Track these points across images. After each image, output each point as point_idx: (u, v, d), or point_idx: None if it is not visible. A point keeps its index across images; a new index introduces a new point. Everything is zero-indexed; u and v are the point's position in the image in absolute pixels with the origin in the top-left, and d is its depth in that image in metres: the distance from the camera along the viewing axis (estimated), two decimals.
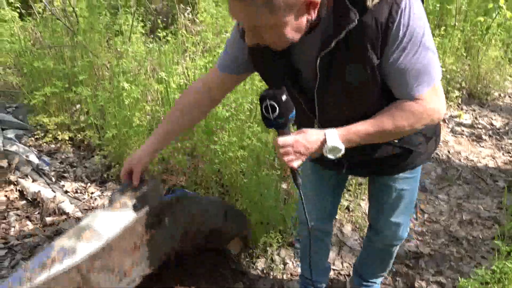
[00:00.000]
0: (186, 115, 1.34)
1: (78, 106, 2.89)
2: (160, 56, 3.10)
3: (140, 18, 3.87)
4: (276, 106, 1.01)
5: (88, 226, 1.15)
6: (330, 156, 1.07)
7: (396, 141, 1.22)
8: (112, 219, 1.18)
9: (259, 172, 2.12)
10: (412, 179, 1.40)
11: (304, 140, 1.05)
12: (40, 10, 3.66)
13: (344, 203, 2.39)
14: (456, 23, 3.78)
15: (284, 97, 1.02)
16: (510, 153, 2.99)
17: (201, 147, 2.30)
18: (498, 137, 3.18)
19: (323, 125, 1.13)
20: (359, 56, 0.99)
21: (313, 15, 0.97)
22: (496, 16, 3.56)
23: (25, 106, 2.96)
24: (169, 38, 3.27)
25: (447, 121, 3.31)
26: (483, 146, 3.06)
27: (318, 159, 1.34)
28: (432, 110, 1.06)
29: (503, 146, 3.07)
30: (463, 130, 3.22)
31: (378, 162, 1.28)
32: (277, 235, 2.07)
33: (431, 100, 1.05)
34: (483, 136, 3.16)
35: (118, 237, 1.17)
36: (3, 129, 2.92)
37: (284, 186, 2.39)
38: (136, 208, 1.24)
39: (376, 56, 0.99)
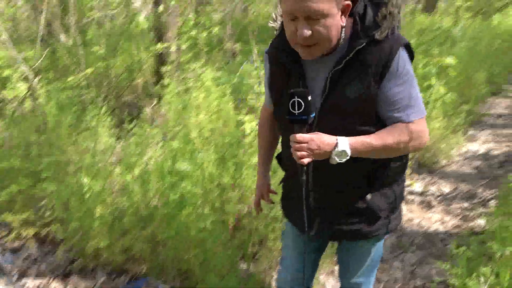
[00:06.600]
0: (270, 141, 1.66)
1: (43, 202, 2.98)
2: (125, 149, 3.29)
3: (108, 112, 4.11)
4: (302, 103, 1.20)
5: None
6: (336, 159, 1.22)
7: (368, 197, 1.38)
8: None
9: (216, 254, 2.23)
10: (374, 248, 1.54)
11: (318, 140, 1.21)
12: (11, 111, 3.86)
13: None
14: None
15: (309, 98, 1.21)
16: (459, 216, 3.18)
17: (161, 233, 2.40)
18: (446, 202, 3.39)
19: None
20: (360, 76, 1.23)
21: (344, 21, 1.21)
22: (431, 92, 3.95)
23: None
24: (135, 129, 3.49)
25: None
26: (433, 212, 3.25)
27: (290, 214, 1.57)
28: (423, 132, 1.28)
29: (451, 210, 3.27)
30: (414, 199, 3.43)
31: (344, 222, 1.43)
32: None
33: (423, 125, 1.27)
34: (433, 203, 3.37)
35: None
36: None
37: (244, 266, 2.48)
38: None
39: (374, 81, 1.22)
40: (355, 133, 1.25)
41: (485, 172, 3.94)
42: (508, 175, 3.08)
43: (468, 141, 4.66)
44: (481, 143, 4.64)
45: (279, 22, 1.38)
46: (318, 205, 1.43)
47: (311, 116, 1.22)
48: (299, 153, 1.21)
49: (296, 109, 1.20)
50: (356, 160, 1.26)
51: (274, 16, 1.40)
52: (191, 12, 6.07)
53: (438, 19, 8.49)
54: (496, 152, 4.38)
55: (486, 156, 4.30)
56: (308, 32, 1.17)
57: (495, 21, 9.65)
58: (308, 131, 1.24)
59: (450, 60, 4.05)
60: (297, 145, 1.21)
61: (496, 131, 5.00)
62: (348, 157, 1.23)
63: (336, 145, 1.21)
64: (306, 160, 1.22)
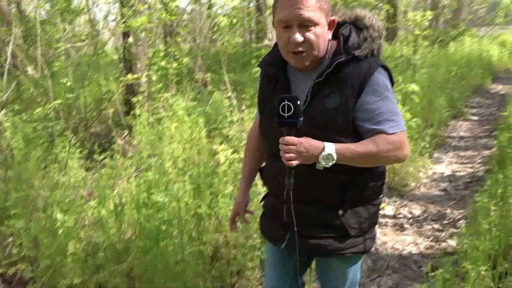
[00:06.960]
0: (254, 159, 1.67)
1: (10, 239, 2.86)
2: (96, 181, 3.21)
3: (78, 144, 4.02)
4: (292, 106, 1.24)
5: None
6: (323, 163, 1.26)
7: (339, 212, 1.40)
8: None
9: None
10: (351, 270, 1.56)
11: (306, 143, 1.26)
12: None
13: None
14: None
15: (298, 102, 1.25)
16: (430, 238, 3.26)
17: (137, 266, 2.34)
18: (418, 224, 3.47)
19: None
20: (339, 88, 1.32)
21: (330, 34, 1.36)
22: None
23: None
24: (106, 160, 3.42)
25: None
26: (406, 234, 3.32)
27: (265, 229, 1.60)
28: (403, 144, 1.34)
29: (423, 232, 3.35)
30: (387, 222, 3.50)
31: (314, 235, 1.44)
32: None
33: (403, 137, 1.34)
34: (405, 225, 3.44)
35: None
36: None
37: None
38: None
39: (352, 94, 1.30)
40: (332, 143, 1.31)
41: (452, 194, 4.08)
42: (474, 195, 3.21)
43: (434, 164, 4.83)
44: (447, 165, 4.82)
45: (273, 42, 1.47)
46: (291, 216, 1.43)
47: (300, 119, 1.27)
48: (287, 155, 1.25)
49: (286, 112, 1.25)
50: (334, 171, 1.31)
51: (270, 36, 1.52)
52: (160, 43, 6.12)
53: (398, 47, 8.89)
54: (461, 174, 4.55)
55: (452, 178, 4.46)
56: (300, 38, 1.29)
57: (451, 49, 10.20)
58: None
59: (414, 86, 4.23)
60: (286, 147, 1.26)
61: (459, 153, 5.21)
62: (334, 162, 1.28)
63: (323, 149, 1.27)
64: (294, 162, 1.26)
